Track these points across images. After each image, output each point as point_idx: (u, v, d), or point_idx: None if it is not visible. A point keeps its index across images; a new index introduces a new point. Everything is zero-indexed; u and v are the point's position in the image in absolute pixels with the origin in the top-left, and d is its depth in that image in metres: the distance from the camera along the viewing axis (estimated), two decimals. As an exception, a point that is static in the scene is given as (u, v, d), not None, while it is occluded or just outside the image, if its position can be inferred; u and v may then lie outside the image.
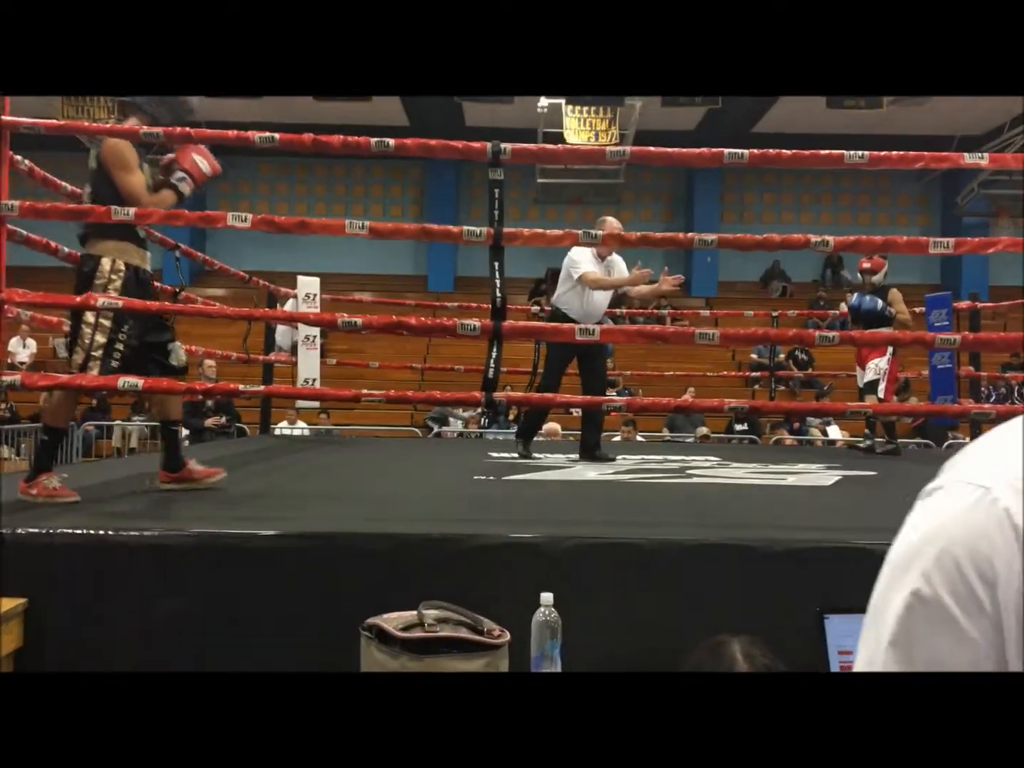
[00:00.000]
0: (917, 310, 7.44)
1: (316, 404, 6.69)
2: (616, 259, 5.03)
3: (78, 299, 2.69)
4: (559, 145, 3.17)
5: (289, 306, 7.31)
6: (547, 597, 2.01)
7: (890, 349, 5.73)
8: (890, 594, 0.63)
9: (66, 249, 3.53)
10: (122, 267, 2.84)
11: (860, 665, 0.66)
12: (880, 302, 5.69)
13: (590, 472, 4.31)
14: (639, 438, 8.62)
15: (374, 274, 15.50)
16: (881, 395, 5.68)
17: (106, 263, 2.83)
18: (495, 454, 5.39)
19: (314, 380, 6.91)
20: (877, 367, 5.71)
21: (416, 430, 9.75)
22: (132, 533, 2.35)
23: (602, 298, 4.96)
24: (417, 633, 1.95)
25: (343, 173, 16.65)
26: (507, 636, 2.00)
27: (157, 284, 4.90)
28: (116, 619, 2.30)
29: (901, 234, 18.11)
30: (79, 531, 2.36)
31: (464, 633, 1.98)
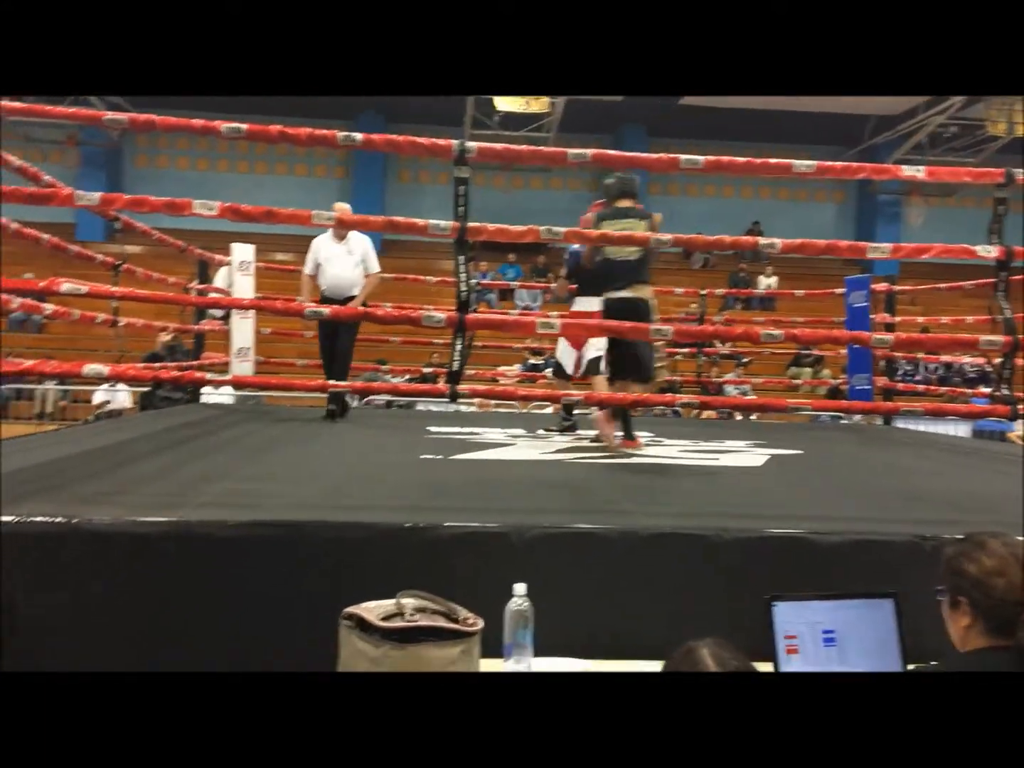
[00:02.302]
0: (838, 291, 7.76)
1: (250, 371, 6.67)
2: (355, 238, 5.73)
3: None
4: (525, 147, 3.24)
5: (223, 274, 7.24)
6: (520, 588, 2.13)
7: None
8: None
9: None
10: (655, 302, 4.43)
11: None
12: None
13: (532, 451, 4.44)
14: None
15: (294, 235, 14.94)
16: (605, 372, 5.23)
17: (653, 302, 4.43)
18: (434, 428, 5.45)
19: (248, 349, 6.89)
20: (599, 344, 5.26)
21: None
22: (104, 519, 2.38)
23: (337, 275, 5.63)
24: (397, 623, 2.04)
25: (267, 130, 16.26)
26: (480, 623, 2.12)
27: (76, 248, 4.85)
28: (85, 607, 2.33)
29: (818, 208, 18.31)
30: (43, 519, 2.36)
31: (441, 622, 2.08)
